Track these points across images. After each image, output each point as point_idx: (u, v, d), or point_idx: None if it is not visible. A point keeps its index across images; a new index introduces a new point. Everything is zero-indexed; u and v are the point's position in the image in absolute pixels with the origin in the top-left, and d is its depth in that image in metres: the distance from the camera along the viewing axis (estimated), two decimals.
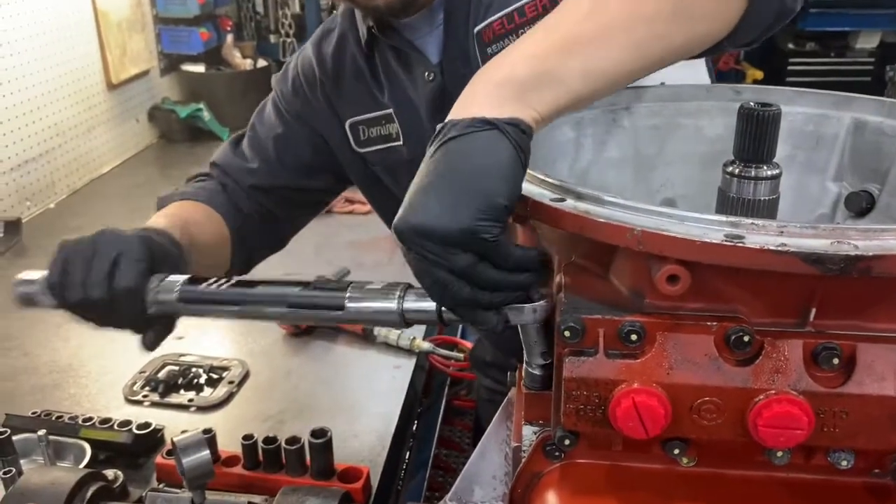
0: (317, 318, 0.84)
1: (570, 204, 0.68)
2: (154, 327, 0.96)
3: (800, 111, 1.06)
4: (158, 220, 1.14)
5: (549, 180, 0.73)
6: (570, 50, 0.73)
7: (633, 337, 0.66)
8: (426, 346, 1.72)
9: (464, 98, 0.73)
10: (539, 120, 0.72)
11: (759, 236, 0.60)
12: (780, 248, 0.58)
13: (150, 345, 0.98)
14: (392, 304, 0.79)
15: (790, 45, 5.08)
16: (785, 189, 1.05)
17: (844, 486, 0.71)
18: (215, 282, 0.88)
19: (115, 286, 0.90)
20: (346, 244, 2.23)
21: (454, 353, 1.76)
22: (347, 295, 0.81)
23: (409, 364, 1.66)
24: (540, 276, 0.73)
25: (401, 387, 1.57)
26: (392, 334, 1.71)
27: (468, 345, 1.79)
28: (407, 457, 1.52)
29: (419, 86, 1.25)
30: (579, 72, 0.73)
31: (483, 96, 0.71)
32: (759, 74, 5.15)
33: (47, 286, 0.94)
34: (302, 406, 1.49)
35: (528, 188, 0.72)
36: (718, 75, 5.29)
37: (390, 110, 1.29)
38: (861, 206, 1.00)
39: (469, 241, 0.67)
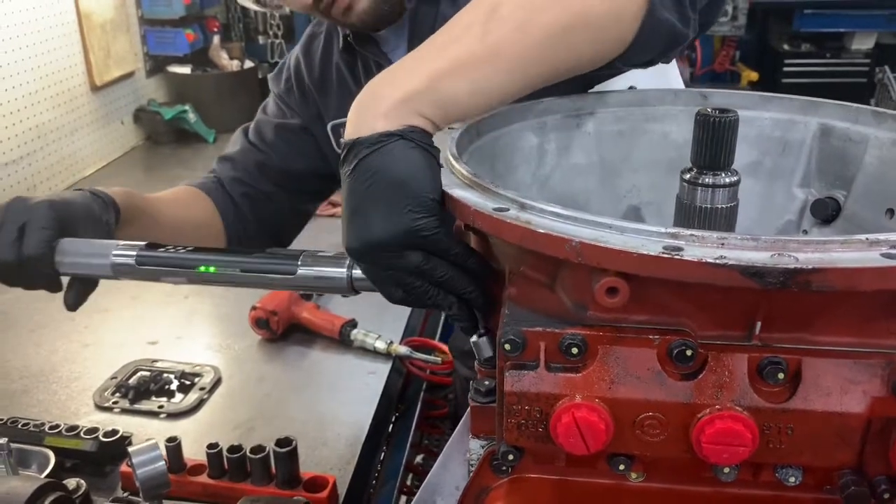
0: (270, 282, 0.89)
1: (512, 214, 0.66)
2: (73, 287, 1.02)
3: (767, 116, 1.04)
4: (117, 188, 1.16)
5: (496, 190, 0.71)
6: (458, 72, 0.78)
7: (574, 350, 0.64)
8: (403, 350, 1.70)
9: (359, 115, 0.78)
10: (434, 126, 0.78)
11: (699, 248, 0.58)
12: (718, 261, 0.56)
13: (71, 304, 1.03)
14: (342, 270, 0.85)
15: (785, 47, 5.07)
16: (752, 196, 1.03)
17: (796, 502, 0.69)
18: (174, 248, 0.93)
19: (22, 252, 0.96)
20: (327, 247, 2.21)
21: (431, 357, 1.74)
22: (300, 262, 0.86)
23: (384, 369, 1.64)
24: (486, 277, 0.76)
25: (375, 393, 1.55)
26: (369, 338, 1.69)
27: (445, 348, 1.78)
28: (380, 464, 1.50)
29: None
30: (467, 92, 0.79)
31: (381, 113, 0.76)
32: (755, 76, 5.15)
33: None
34: (273, 413, 1.47)
35: (473, 198, 0.71)
36: (715, 77, 5.29)
37: None
38: (827, 212, 0.98)
39: (414, 240, 0.72)
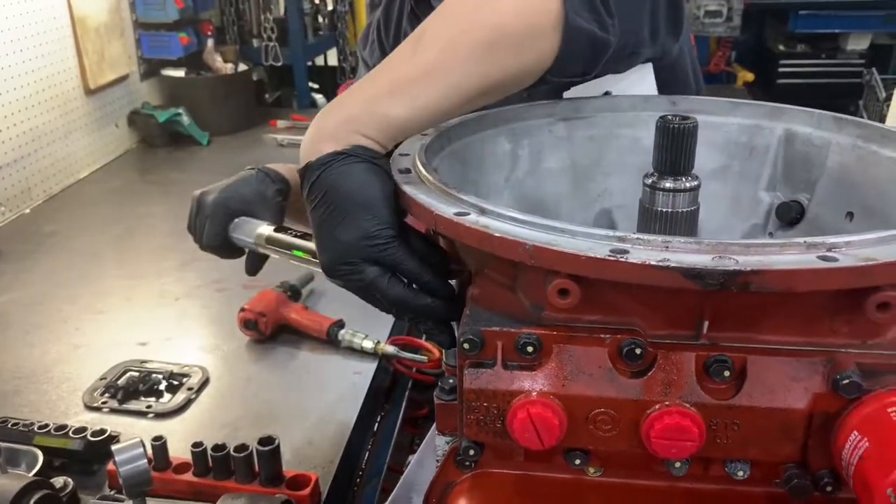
0: None
1: (471, 219, 0.69)
2: (249, 258, 1.16)
3: (735, 122, 1.07)
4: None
5: (458, 195, 0.74)
6: (394, 92, 0.85)
7: (530, 349, 0.67)
8: (390, 349, 1.72)
9: (308, 145, 0.84)
10: (379, 146, 0.84)
11: (643, 251, 0.61)
12: (661, 264, 0.59)
13: (249, 271, 1.16)
14: None
15: (781, 47, 5.07)
16: (720, 199, 1.06)
17: (746, 496, 0.72)
18: (293, 231, 1.08)
19: (205, 243, 1.15)
20: None
21: (418, 356, 1.76)
22: None
23: (370, 369, 1.66)
24: (446, 299, 0.79)
25: (360, 392, 1.57)
26: (356, 338, 1.72)
27: (430, 347, 1.80)
28: (364, 463, 1.53)
29: None
30: (405, 109, 0.85)
31: (327, 137, 0.82)
32: (750, 76, 5.16)
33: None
34: (259, 413, 1.50)
35: (436, 203, 0.73)
36: (710, 78, 5.30)
37: None
38: (791, 216, 1.01)
39: (370, 250, 0.77)
